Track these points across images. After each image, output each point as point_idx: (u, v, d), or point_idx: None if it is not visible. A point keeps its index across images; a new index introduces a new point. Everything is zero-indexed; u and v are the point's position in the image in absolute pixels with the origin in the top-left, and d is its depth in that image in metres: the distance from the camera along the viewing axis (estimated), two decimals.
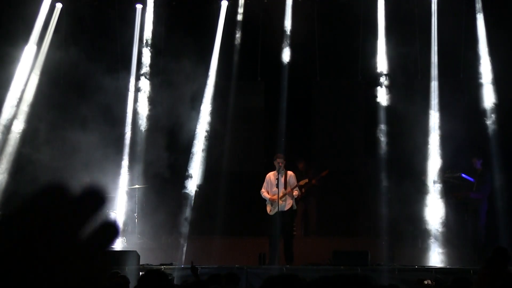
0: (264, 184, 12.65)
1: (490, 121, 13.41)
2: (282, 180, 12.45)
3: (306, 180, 12.76)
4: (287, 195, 12.39)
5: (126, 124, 14.29)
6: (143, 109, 14.42)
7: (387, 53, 13.97)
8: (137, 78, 14.50)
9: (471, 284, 7.03)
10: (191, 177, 14.08)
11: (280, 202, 12.32)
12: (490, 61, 13.64)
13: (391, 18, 14.05)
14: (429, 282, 9.37)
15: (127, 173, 14.10)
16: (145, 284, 4.65)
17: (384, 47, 14.00)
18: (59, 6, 14.22)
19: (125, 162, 14.15)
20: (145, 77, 14.51)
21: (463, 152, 13.38)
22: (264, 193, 12.59)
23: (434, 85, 13.74)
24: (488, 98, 13.56)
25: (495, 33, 13.58)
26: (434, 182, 13.33)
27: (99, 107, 13.66)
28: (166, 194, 14.23)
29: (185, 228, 13.47)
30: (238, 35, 14.54)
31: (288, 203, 12.44)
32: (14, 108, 13.86)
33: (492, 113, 13.45)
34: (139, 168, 14.00)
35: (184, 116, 14.59)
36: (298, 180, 12.66)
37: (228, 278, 7.47)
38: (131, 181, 14.04)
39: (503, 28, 13.51)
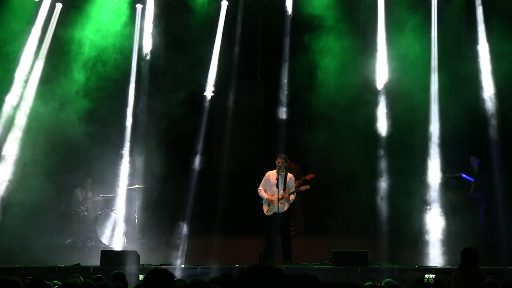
0: (262, 182, 12.60)
1: (490, 119, 13.35)
2: (282, 181, 12.42)
3: (308, 187, 12.72)
4: (284, 198, 12.36)
5: (126, 126, 14.30)
6: (144, 111, 14.41)
7: (387, 53, 13.96)
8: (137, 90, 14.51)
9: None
10: (192, 176, 14.05)
11: (279, 204, 12.27)
12: (490, 57, 13.60)
13: (391, 17, 14.03)
14: (430, 277, 9.41)
15: (127, 173, 14.10)
16: (151, 282, 4.70)
17: (385, 46, 13.98)
18: (59, 6, 14.22)
19: (124, 162, 14.15)
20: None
21: (462, 151, 13.39)
22: (262, 192, 12.53)
23: (434, 83, 13.70)
24: (488, 95, 13.50)
25: (494, 28, 13.56)
26: (434, 182, 13.32)
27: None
28: (166, 193, 14.23)
29: (185, 228, 13.47)
30: (238, 35, 14.54)
31: (286, 205, 12.43)
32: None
33: (492, 111, 13.40)
34: (139, 167, 14.01)
35: (184, 116, 14.59)
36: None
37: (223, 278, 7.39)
38: (131, 181, 14.05)
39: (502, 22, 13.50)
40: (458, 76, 13.88)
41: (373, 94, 13.89)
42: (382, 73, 13.89)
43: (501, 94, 13.44)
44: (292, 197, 12.48)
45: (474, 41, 13.76)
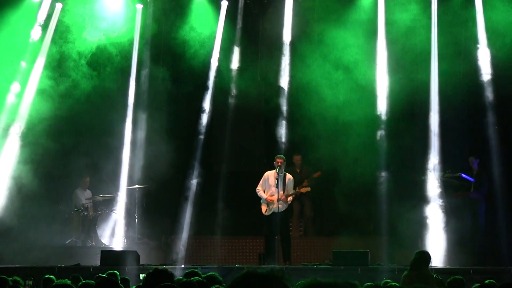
0: (261, 181, 12.57)
1: (490, 117, 13.33)
2: (282, 182, 12.41)
3: (309, 189, 12.72)
4: (282, 200, 12.34)
5: (126, 128, 14.32)
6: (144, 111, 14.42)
7: (388, 52, 13.96)
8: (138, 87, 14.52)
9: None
10: (192, 177, 14.07)
11: (278, 204, 12.26)
12: (490, 54, 13.57)
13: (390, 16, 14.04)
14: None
15: (127, 173, 14.11)
16: (151, 282, 4.70)
17: (385, 45, 13.98)
18: (59, 6, 14.22)
19: (125, 162, 14.17)
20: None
21: (462, 150, 13.37)
22: (260, 192, 12.50)
23: (434, 81, 13.69)
24: (488, 92, 13.47)
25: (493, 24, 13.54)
26: (434, 182, 13.32)
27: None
28: (166, 194, 14.23)
29: (185, 228, 13.48)
30: (238, 35, 14.55)
31: (285, 206, 12.43)
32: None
33: (492, 107, 13.37)
34: (139, 167, 14.02)
35: (184, 116, 14.60)
36: (296, 183, 12.68)
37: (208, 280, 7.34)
38: (131, 181, 14.06)
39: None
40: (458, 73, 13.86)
41: (373, 92, 13.92)
42: (382, 73, 13.93)
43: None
44: (290, 199, 12.48)
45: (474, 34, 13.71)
